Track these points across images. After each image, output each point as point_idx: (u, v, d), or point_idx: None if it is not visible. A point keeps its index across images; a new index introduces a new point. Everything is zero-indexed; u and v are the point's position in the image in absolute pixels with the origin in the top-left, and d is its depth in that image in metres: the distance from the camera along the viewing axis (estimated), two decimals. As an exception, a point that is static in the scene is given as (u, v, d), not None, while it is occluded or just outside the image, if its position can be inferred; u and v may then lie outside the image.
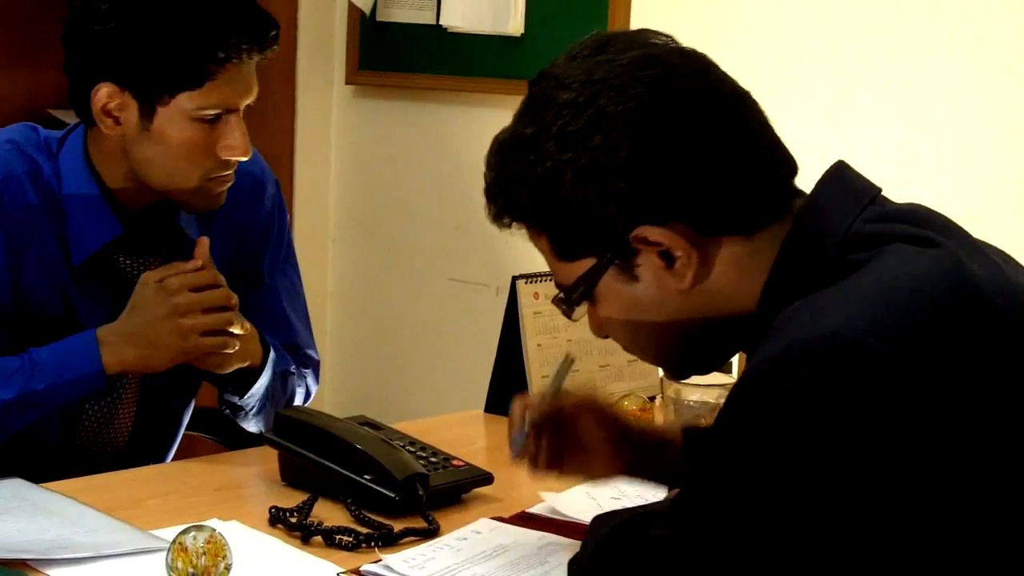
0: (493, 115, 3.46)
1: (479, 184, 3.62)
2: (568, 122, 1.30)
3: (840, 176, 1.34)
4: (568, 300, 1.39)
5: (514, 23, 3.35)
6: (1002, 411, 1.17)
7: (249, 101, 1.97)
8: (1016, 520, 1.18)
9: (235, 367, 2.03)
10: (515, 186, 1.35)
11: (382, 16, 3.62)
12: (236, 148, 1.95)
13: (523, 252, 3.42)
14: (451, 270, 3.60)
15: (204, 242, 1.99)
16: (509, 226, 1.39)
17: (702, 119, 1.29)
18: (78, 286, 2.01)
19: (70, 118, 2.50)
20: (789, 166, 1.35)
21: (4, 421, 1.92)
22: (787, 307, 1.24)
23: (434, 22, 3.50)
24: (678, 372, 1.46)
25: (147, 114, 1.92)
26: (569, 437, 1.66)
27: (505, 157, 1.35)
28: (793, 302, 1.25)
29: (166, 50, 1.88)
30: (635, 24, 3.15)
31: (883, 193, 1.35)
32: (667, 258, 1.31)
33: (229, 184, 2.00)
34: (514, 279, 2.37)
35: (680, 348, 1.39)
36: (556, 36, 3.30)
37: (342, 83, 3.77)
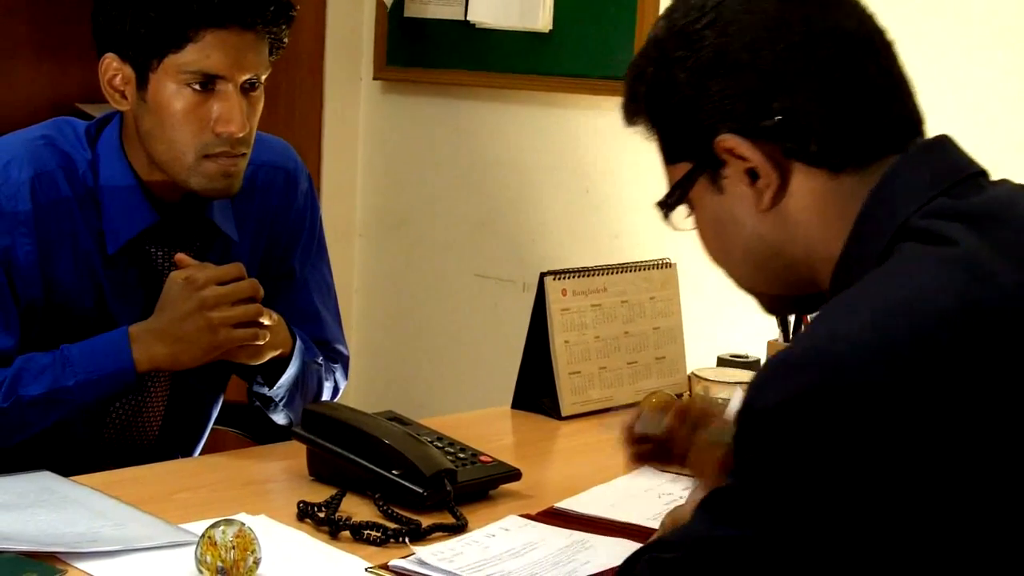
0: (520, 111, 3.47)
1: (505, 180, 3.61)
2: (690, 23, 1.32)
3: (930, 153, 1.32)
4: (665, 203, 1.40)
5: (542, 19, 3.34)
6: (1006, 433, 1.14)
7: (248, 75, 1.96)
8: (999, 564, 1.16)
9: (268, 357, 2.03)
10: (638, 81, 1.38)
11: (410, 12, 3.62)
12: (228, 121, 1.94)
13: (549, 248, 3.44)
14: (477, 266, 3.60)
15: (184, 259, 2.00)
16: (632, 122, 1.40)
17: (815, 45, 1.29)
18: (110, 279, 2.02)
19: (97, 112, 2.51)
20: (896, 117, 1.32)
21: (34, 416, 1.93)
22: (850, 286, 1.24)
23: (462, 18, 3.49)
24: (769, 306, 1.44)
25: (143, 84, 1.96)
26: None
27: (639, 53, 1.39)
28: (854, 280, 1.24)
29: (149, 10, 1.91)
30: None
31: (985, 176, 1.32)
32: (752, 175, 1.32)
33: (235, 167, 1.98)
34: (542, 275, 2.36)
35: (765, 276, 1.39)
36: (584, 32, 3.30)
37: (370, 78, 3.77)
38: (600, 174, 3.34)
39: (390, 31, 3.68)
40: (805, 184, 1.31)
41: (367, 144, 3.83)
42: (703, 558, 1.20)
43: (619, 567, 1.33)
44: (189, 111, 1.94)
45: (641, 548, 1.32)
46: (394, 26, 3.67)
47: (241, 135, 1.95)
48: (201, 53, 1.92)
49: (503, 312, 3.51)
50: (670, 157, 1.39)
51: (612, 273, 2.48)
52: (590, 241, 3.34)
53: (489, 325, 3.57)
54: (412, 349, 3.78)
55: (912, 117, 1.34)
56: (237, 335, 1.96)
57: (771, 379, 1.18)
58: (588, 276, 2.43)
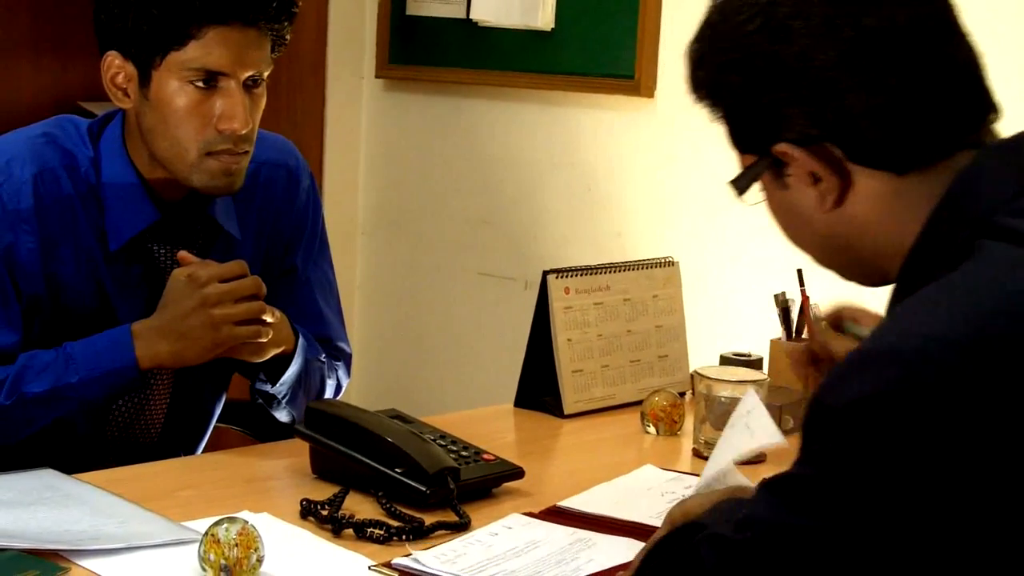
0: (523, 109, 3.47)
1: (508, 178, 3.60)
2: (742, 23, 1.31)
3: (1015, 149, 1.30)
4: (735, 184, 1.40)
5: (544, 17, 3.34)
6: None
7: (251, 72, 1.96)
8: None
9: (271, 354, 2.03)
10: (697, 68, 1.37)
11: (412, 10, 3.62)
12: (231, 118, 1.94)
13: (551, 246, 3.44)
14: (480, 264, 3.60)
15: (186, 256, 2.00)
16: (697, 101, 1.39)
17: (866, 47, 1.27)
18: (113, 276, 2.02)
19: (99, 110, 2.50)
20: (961, 110, 1.30)
21: (37, 413, 1.93)
22: (921, 281, 1.23)
23: (464, 16, 3.49)
24: (845, 279, 1.45)
25: (145, 81, 1.95)
26: None
27: (697, 36, 1.37)
28: (928, 275, 1.24)
29: (151, 8, 1.91)
30: (667, 20, 3.14)
31: None
32: (815, 177, 1.31)
33: (237, 164, 1.98)
34: (545, 273, 2.36)
35: (835, 262, 1.40)
36: (586, 30, 3.30)
37: (372, 77, 3.77)
38: (602, 172, 3.34)
39: (392, 29, 3.68)
40: (869, 185, 1.30)
41: (369, 142, 3.83)
42: (772, 544, 1.18)
43: (660, 542, 1.33)
44: (192, 108, 1.94)
45: (694, 523, 1.31)
46: (396, 24, 3.67)
47: (244, 132, 1.95)
48: (204, 50, 1.92)
49: (505, 310, 3.51)
50: (735, 146, 1.39)
51: (615, 271, 2.48)
52: (593, 239, 3.34)
53: (491, 323, 3.57)
54: (415, 347, 3.78)
55: (981, 104, 1.32)
56: (240, 332, 1.96)
57: (851, 373, 1.16)
58: (591, 274, 2.43)
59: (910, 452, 1.12)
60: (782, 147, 1.31)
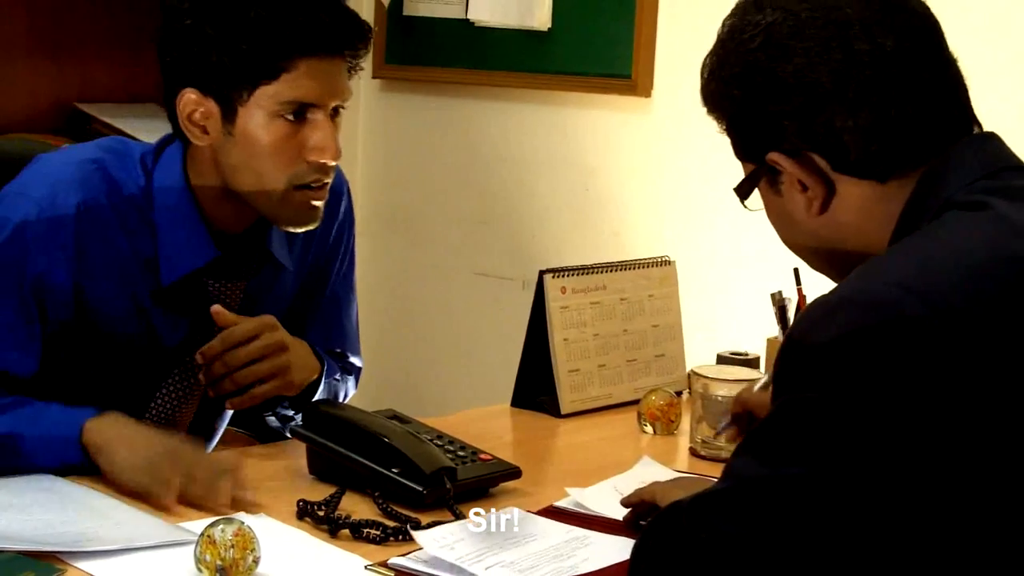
0: (520, 109, 3.47)
1: (505, 178, 3.61)
2: (745, 40, 1.42)
3: (979, 145, 1.41)
4: (738, 191, 1.50)
5: (541, 17, 3.34)
6: None
7: (338, 102, 1.93)
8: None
9: (305, 384, 2.06)
10: (709, 79, 1.48)
11: (409, 10, 3.62)
12: (323, 149, 1.91)
13: (549, 246, 3.44)
14: (477, 264, 3.60)
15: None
16: (708, 112, 1.50)
17: (856, 68, 1.37)
18: (160, 307, 1.99)
19: (95, 112, 2.51)
20: (939, 125, 1.40)
21: None
22: None
23: (461, 16, 3.49)
24: (835, 282, 1.52)
25: (229, 117, 1.90)
26: None
27: (710, 52, 1.48)
28: None
29: (239, 43, 1.86)
30: (663, 19, 3.14)
31: None
32: (802, 184, 1.42)
33: (322, 198, 1.95)
34: (541, 273, 2.36)
35: (824, 265, 1.50)
36: (583, 30, 3.30)
37: (369, 77, 3.76)
38: (599, 172, 3.34)
39: (389, 29, 3.68)
40: (853, 192, 1.41)
41: (366, 143, 3.83)
42: (751, 495, 1.26)
43: (649, 528, 1.40)
44: (281, 142, 1.90)
45: (674, 505, 1.38)
46: (393, 24, 3.67)
47: (334, 163, 1.94)
48: (295, 83, 1.88)
49: (503, 310, 3.51)
50: (737, 154, 1.49)
51: (611, 271, 2.48)
52: (590, 239, 3.34)
53: (489, 323, 3.57)
54: (412, 347, 3.78)
55: (959, 122, 1.42)
56: (153, 490, 1.79)
57: (828, 316, 1.26)
58: (587, 274, 2.44)
59: (876, 389, 1.21)
60: (774, 156, 1.42)
